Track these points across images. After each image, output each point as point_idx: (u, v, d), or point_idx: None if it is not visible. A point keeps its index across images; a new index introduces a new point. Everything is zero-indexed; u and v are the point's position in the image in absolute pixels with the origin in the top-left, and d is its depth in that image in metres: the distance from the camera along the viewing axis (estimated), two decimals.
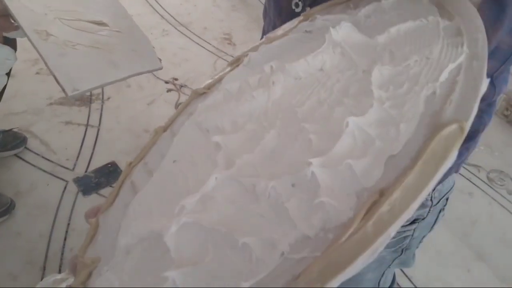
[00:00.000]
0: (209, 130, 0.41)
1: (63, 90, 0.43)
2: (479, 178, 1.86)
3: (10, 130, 1.65)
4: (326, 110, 0.39)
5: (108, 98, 1.96)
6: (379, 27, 0.45)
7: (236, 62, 0.49)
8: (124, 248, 0.35)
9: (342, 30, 0.45)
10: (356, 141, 0.35)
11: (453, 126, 0.32)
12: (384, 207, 0.28)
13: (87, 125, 1.82)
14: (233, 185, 0.35)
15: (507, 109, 2.14)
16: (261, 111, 0.41)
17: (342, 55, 0.44)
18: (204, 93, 0.47)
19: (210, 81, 0.48)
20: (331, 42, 0.44)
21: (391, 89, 0.38)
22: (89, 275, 0.36)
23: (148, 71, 0.42)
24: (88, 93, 1.96)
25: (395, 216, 0.27)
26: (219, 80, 0.48)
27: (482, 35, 0.39)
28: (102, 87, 0.44)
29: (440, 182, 0.68)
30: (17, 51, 0.78)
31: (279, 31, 0.50)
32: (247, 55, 0.48)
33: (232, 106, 0.42)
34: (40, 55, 0.48)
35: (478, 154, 1.95)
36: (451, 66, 0.37)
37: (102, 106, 1.92)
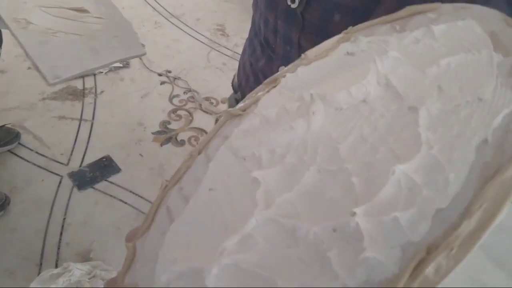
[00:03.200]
0: (245, 158, 0.40)
1: (44, 78, 0.42)
2: None
3: (3, 126, 1.64)
4: (369, 149, 0.37)
5: (101, 92, 1.95)
6: (427, 57, 0.43)
7: (273, 83, 0.47)
8: (164, 283, 0.35)
9: (389, 61, 0.43)
10: (402, 189, 0.33)
11: (506, 176, 0.30)
12: (431, 267, 0.27)
13: (80, 119, 1.81)
14: (272, 225, 0.35)
15: None
16: (300, 142, 0.40)
17: (387, 87, 0.42)
18: (239, 114, 0.45)
19: (246, 101, 0.46)
20: (375, 72, 0.42)
21: (439, 131, 0.36)
22: None
23: (131, 57, 0.41)
24: (81, 87, 1.95)
25: (443, 275, 0.27)
26: (255, 101, 0.46)
27: None
28: (84, 74, 0.43)
29: None
30: (8, 46, 0.77)
31: (319, 50, 0.48)
32: (284, 76, 0.46)
33: (270, 134, 0.41)
34: (20, 44, 0.47)
35: None
36: (506, 111, 0.35)
37: (95, 100, 1.91)
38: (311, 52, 0.48)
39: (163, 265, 0.36)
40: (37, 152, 1.65)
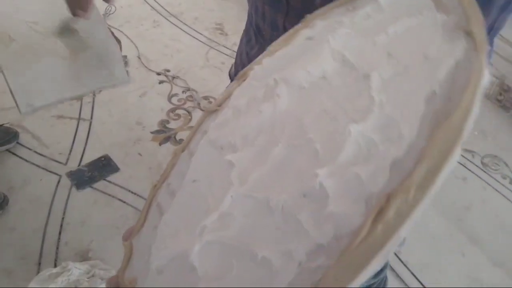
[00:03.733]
0: (222, 148, 0.43)
1: (16, 105, 0.42)
2: (473, 163, 1.87)
3: (1, 125, 1.64)
4: (330, 119, 0.40)
5: (100, 91, 1.95)
6: (377, 28, 0.45)
7: (242, 77, 0.51)
8: (156, 269, 0.38)
9: (340, 37, 0.45)
10: (361, 147, 0.35)
11: (454, 121, 0.32)
12: (391, 211, 0.29)
13: (79, 118, 1.81)
14: (247, 201, 0.37)
15: (500, 94, 2.14)
16: (268, 124, 0.42)
17: (342, 62, 0.44)
18: (215, 110, 0.49)
19: (220, 97, 0.50)
20: (329, 50, 0.45)
21: (391, 91, 0.38)
22: None
23: (113, 85, 0.40)
24: None
25: (403, 218, 0.28)
26: (228, 96, 0.49)
27: (479, 26, 0.38)
28: (59, 102, 0.43)
29: None
30: None
31: (280, 41, 0.51)
32: (253, 69, 0.50)
33: (241, 122, 0.44)
34: None
35: (472, 139, 1.95)
36: (450, 62, 0.37)
37: (93, 99, 1.91)
38: (274, 46, 0.51)
39: (155, 255, 0.39)
40: (35, 152, 1.65)
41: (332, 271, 0.29)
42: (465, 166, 1.85)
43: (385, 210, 0.30)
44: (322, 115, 0.41)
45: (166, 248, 0.39)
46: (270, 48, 0.51)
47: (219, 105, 0.50)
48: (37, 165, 1.61)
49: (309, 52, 0.47)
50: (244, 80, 0.50)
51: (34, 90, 0.41)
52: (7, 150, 1.63)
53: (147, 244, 0.41)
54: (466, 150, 1.91)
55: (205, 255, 0.36)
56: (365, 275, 0.28)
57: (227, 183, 0.39)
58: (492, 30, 0.56)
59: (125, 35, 2.29)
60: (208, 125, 0.47)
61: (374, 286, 0.96)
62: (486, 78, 0.34)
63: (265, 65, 0.50)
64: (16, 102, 0.42)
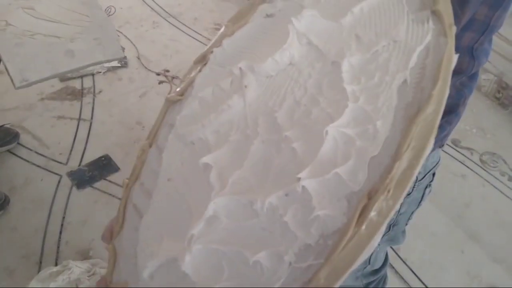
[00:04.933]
0: (194, 143, 0.42)
1: (12, 81, 0.42)
2: (472, 160, 1.87)
3: (2, 126, 1.65)
4: (303, 112, 0.39)
5: (100, 92, 1.96)
6: (341, 7, 0.44)
7: (202, 61, 0.48)
8: (147, 276, 0.38)
9: (305, 19, 0.44)
10: (338, 144, 0.36)
11: (427, 115, 0.32)
12: (373, 211, 0.30)
13: (79, 119, 1.82)
14: (231, 203, 0.37)
15: (498, 92, 2.14)
16: (240, 117, 0.42)
17: (309, 46, 0.43)
18: (178, 100, 0.47)
19: (181, 85, 0.48)
20: (295, 33, 0.43)
21: (362, 81, 0.38)
22: None
23: (108, 61, 0.40)
24: (79, 87, 1.96)
25: (384, 216, 0.29)
26: (190, 83, 0.47)
27: (445, 6, 0.38)
28: (54, 77, 0.43)
29: None
30: None
31: (238, 16, 0.49)
32: (212, 51, 0.48)
33: (211, 117, 0.42)
34: None
35: (471, 137, 1.96)
36: (419, 48, 0.37)
37: (93, 99, 1.92)
38: (231, 20, 0.49)
39: (143, 260, 0.39)
40: (36, 152, 1.66)
41: (321, 272, 0.30)
42: (464, 164, 1.85)
43: (367, 209, 0.31)
44: (295, 107, 0.40)
45: (153, 254, 0.38)
46: (228, 23, 0.49)
47: (182, 95, 0.48)
48: (37, 165, 1.61)
49: (272, 33, 0.45)
50: (205, 64, 0.48)
51: (29, 67, 0.42)
52: (8, 150, 1.63)
53: (131, 247, 0.41)
54: (465, 148, 1.91)
55: (196, 261, 0.36)
56: (351, 272, 0.29)
57: (208, 187, 0.38)
58: (488, 29, 0.56)
59: (125, 36, 2.30)
60: (174, 118, 0.45)
61: (374, 284, 0.96)
62: (454, 64, 0.34)
63: (225, 47, 0.48)
64: (11, 78, 0.42)
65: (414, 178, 0.30)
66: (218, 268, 0.35)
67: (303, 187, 0.34)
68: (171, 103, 0.48)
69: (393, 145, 0.33)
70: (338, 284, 0.29)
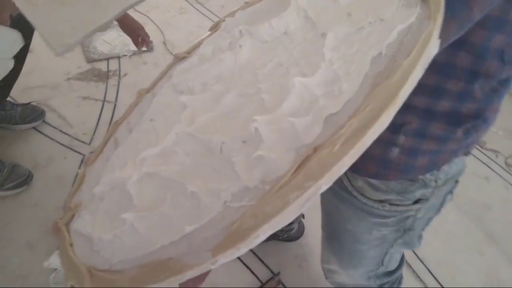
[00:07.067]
0: (182, 92, 0.46)
1: (53, 48, 0.43)
2: (496, 163, 1.84)
3: (29, 103, 1.67)
4: (283, 72, 0.41)
5: (125, 75, 1.98)
6: None
7: (215, 27, 0.53)
8: (99, 195, 0.41)
9: None
10: (303, 100, 0.37)
11: (392, 81, 0.32)
12: (314, 161, 0.30)
13: (104, 100, 1.84)
14: (190, 140, 0.39)
15: None
16: (228, 72, 0.44)
17: (305, 19, 0.46)
18: (184, 57, 0.52)
19: (191, 45, 0.53)
20: (295, 6, 0.46)
21: (342, 50, 0.39)
22: (72, 216, 0.44)
23: (136, 3, 0.40)
24: (105, 69, 1.98)
25: (325, 169, 0.29)
26: (199, 45, 0.52)
27: None
28: (91, 35, 0.45)
29: (445, 163, 0.65)
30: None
31: None
32: (224, 20, 0.52)
33: (203, 68, 0.46)
34: (31, 22, 0.47)
35: (497, 138, 1.92)
36: (401, 26, 0.38)
37: (119, 82, 1.94)
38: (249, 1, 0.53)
39: (100, 182, 0.42)
40: (60, 131, 1.69)
41: (251, 210, 0.30)
42: (488, 166, 1.81)
43: (309, 159, 0.31)
44: (277, 67, 0.42)
45: (109, 176, 0.41)
46: (247, 0, 0.53)
47: (189, 53, 0.52)
48: (61, 144, 1.64)
49: (281, 7, 0.48)
50: (216, 31, 0.52)
51: (61, 31, 0.43)
52: (34, 127, 1.66)
53: (98, 173, 0.45)
54: (490, 150, 1.88)
55: (142, 186, 0.38)
56: (280, 221, 0.28)
57: (176, 121, 0.41)
58: (505, 24, 0.49)
59: (152, 20, 2.31)
60: (174, 70, 0.49)
61: (388, 285, 0.95)
62: (434, 47, 0.33)
63: (237, 17, 0.52)
64: (51, 45, 0.43)
65: (366, 139, 0.29)
66: (162, 196, 0.36)
67: (256, 129, 0.35)
68: (178, 60, 0.53)
69: (354, 107, 0.34)
70: (266, 231, 0.28)
